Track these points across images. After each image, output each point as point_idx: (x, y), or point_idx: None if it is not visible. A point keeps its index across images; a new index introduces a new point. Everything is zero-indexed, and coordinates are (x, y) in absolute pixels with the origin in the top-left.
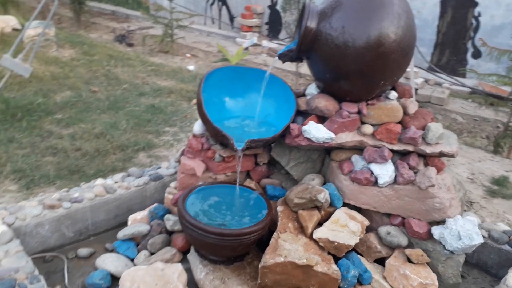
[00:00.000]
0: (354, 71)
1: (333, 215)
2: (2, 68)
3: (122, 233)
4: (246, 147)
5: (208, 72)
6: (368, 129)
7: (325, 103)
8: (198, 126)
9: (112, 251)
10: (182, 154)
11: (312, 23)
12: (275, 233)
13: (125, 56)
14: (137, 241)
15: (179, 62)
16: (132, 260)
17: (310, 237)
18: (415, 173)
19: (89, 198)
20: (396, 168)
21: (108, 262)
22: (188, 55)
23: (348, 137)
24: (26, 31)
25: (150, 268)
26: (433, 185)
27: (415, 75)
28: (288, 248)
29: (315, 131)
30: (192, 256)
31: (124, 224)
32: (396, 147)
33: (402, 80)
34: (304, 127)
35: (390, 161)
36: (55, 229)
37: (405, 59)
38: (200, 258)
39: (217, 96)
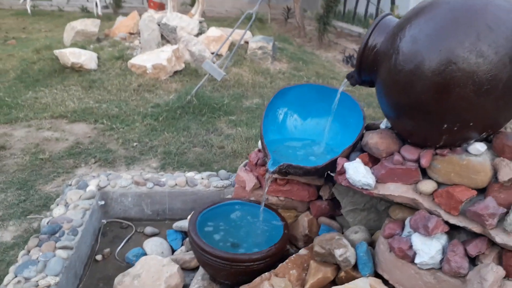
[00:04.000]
0: (405, 106)
1: (350, 283)
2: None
3: (175, 224)
4: (279, 170)
5: (285, 86)
6: (426, 186)
7: (377, 141)
8: None
9: None
10: (245, 165)
11: (375, 39)
12: (267, 273)
13: (330, 75)
14: None
15: None
16: (174, 251)
17: None
18: (474, 265)
19: (170, 185)
20: (446, 250)
21: (150, 244)
22: None
23: (396, 190)
24: (250, 45)
25: (160, 261)
26: None
27: None
28: None
29: (353, 171)
30: None
31: None
32: (454, 220)
33: None
34: (346, 165)
35: (444, 236)
36: (136, 203)
37: (488, 99)
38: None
39: (295, 113)
